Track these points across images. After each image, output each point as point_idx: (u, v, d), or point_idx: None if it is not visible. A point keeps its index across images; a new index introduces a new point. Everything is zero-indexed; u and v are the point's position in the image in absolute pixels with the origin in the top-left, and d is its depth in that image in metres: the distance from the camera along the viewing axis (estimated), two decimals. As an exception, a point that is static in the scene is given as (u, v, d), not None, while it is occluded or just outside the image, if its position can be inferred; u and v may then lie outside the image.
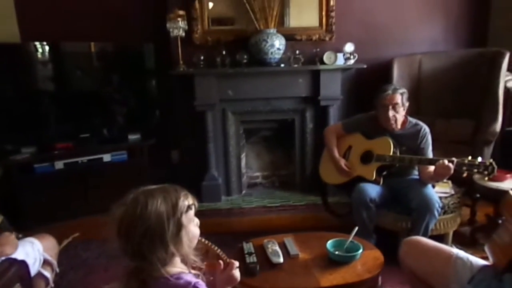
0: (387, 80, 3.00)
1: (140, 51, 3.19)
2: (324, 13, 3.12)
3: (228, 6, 3.07)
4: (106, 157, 3.02)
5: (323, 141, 2.55)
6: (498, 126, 2.65)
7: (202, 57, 2.98)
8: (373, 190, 2.17)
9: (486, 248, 1.30)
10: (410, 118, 2.26)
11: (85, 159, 2.96)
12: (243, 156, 3.37)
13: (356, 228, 1.65)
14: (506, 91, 2.73)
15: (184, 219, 0.95)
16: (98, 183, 2.94)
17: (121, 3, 3.23)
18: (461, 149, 2.69)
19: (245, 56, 2.97)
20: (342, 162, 2.37)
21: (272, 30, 2.91)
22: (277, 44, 2.89)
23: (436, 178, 2.06)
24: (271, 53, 2.90)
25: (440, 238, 2.31)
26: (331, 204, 2.83)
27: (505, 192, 2.17)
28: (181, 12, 2.83)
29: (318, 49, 3.06)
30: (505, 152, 2.66)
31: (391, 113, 2.17)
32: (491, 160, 1.78)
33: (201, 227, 1.04)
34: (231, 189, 3.30)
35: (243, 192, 3.38)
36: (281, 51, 2.95)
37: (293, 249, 1.66)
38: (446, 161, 1.89)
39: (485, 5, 3.29)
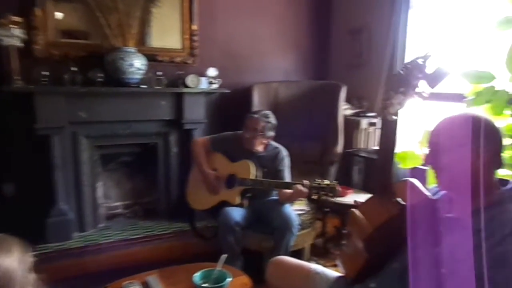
0: (248, 105, 3.16)
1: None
2: (187, 36, 3.12)
3: (80, 18, 2.77)
4: None
5: (191, 154, 2.48)
6: (339, 148, 3.05)
7: (46, 73, 2.58)
8: (238, 214, 2.21)
9: (338, 260, 1.41)
10: (271, 142, 2.41)
11: None
12: (99, 185, 3.02)
13: (224, 256, 1.62)
14: (344, 118, 3.19)
15: (29, 272, 0.85)
16: None
17: None
18: (313, 169, 3.01)
19: (100, 75, 2.70)
20: (212, 176, 2.34)
21: (132, 49, 2.74)
22: (137, 64, 2.73)
23: (292, 200, 2.23)
24: (131, 72, 2.71)
25: (299, 252, 2.49)
26: (199, 228, 2.76)
27: (349, 209, 2.51)
28: (16, 19, 2.40)
29: (181, 72, 3.02)
30: (346, 170, 3.08)
31: (247, 134, 2.29)
32: (335, 182, 2.01)
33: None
34: (85, 223, 2.89)
35: (100, 225, 3.01)
36: (142, 72, 2.79)
37: None
38: (300, 186, 2.06)
39: (326, 45, 3.82)
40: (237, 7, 3.38)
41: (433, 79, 1.03)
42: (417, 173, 1.91)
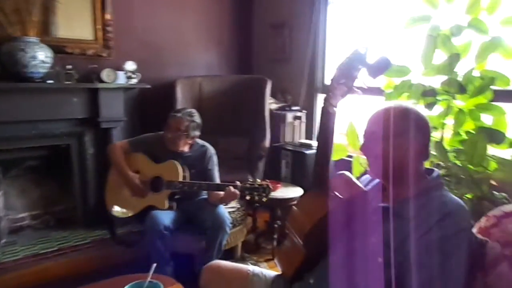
0: (171, 101, 3.00)
1: None
2: (100, 26, 2.85)
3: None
4: None
5: (109, 159, 2.27)
6: (267, 142, 3.06)
7: None
8: (166, 217, 2.08)
9: (275, 259, 1.40)
10: (197, 140, 2.29)
11: None
12: (0, 194, 2.64)
13: (154, 265, 1.49)
14: (270, 112, 3.21)
15: None
16: None
17: None
18: (241, 165, 2.98)
19: (-5, 68, 2.34)
20: (137, 179, 2.17)
21: (33, 39, 2.40)
22: (41, 56, 2.41)
23: (223, 202, 2.16)
24: (33, 66, 2.39)
25: (232, 250, 2.45)
26: (120, 235, 2.56)
27: (280, 203, 2.53)
28: None
29: (95, 66, 2.75)
30: (274, 164, 3.10)
31: (170, 134, 2.16)
32: (268, 182, 1.99)
33: None
34: (-17, 240, 2.51)
35: (3, 241, 2.62)
36: (47, 65, 2.48)
37: (78, 309, 1.34)
38: (232, 188, 1.99)
39: (249, 38, 3.79)
40: (155, -3, 3.19)
41: (375, 70, 1.03)
42: (343, 164, 1.99)
